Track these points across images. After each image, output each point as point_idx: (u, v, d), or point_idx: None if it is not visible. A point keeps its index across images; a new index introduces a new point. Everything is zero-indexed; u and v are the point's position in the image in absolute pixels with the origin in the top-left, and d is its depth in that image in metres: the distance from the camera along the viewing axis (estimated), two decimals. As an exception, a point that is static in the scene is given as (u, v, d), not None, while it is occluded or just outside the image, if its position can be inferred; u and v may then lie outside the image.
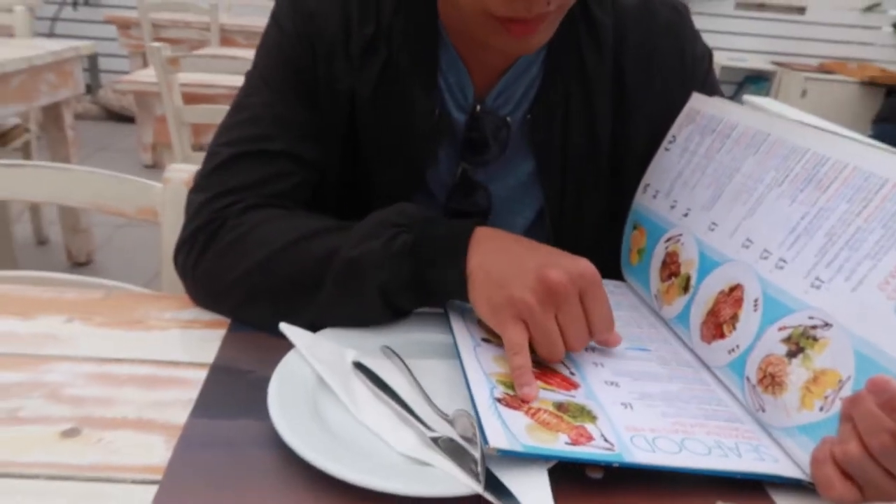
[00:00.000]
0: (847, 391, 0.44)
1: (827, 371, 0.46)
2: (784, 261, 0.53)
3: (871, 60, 4.66)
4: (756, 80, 4.68)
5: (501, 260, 0.53)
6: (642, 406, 0.50)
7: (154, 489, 0.42)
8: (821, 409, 0.46)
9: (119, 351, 0.56)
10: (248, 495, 0.42)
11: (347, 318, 0.58)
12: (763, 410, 0.50)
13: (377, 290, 0.56)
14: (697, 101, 0.70)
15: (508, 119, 0.68)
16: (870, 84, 4.22)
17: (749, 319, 0.53)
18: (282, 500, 0.42)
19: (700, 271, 0.61)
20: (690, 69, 0.71)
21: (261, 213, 0.62)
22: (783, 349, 0.50)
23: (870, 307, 0.46)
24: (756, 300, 0.53)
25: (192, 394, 0.51)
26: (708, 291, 0.59)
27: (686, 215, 0.65)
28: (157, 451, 0.45)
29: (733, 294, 0.56)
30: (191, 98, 1.91)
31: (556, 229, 0.71)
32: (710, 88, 0.72)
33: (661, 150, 0.72)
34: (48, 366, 0.53)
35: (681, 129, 0.71)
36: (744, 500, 0.44)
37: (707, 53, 0.73)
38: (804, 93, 4.27)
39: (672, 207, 0.67)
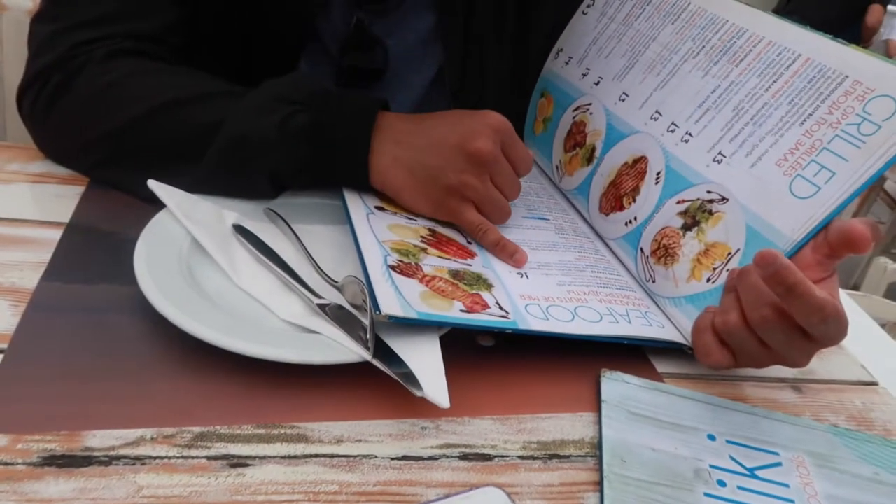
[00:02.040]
0: (735, 263, 0.45)
1: (718, 244, 0.47)
2: (690, 134, 0.52)
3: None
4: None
5: (418, 149, 0.50)
6: (538, 275, 0.49)
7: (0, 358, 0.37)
8: (708, 280, 0.47)
9: (-49, 205, 0.48)
10: (109, 365, 0.38)
11: (226, 192, 0.52)
12: (653, 281, 0.51)
13: (268, 172, 0.51)
14: (620, -40, 0.65)
15: None
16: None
17: (650, 192, 0.53)
18: (149, 369, 0.38)
19: (606, 142, 0.59)
20: None
21: (132, 61, 0.53)
22: (679, 222, 0.50)
23: (765, 182, 0.46)
24: (659, 173, 0.53)
25: (44, 255, 0.45)
26: (611, 163, 0.58)
27: (597, 84, 0.62)
28: (3, 318, 0.40)
29: (637, 166, 0.55)
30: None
31: (455, 91, 0.66)
32: None
33: (577, 14, 0.68)
34: None
35: (600, -10, 0.66)
36: (627, 366, 0.45)
37: None
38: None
39: (584, 76, 0.64)
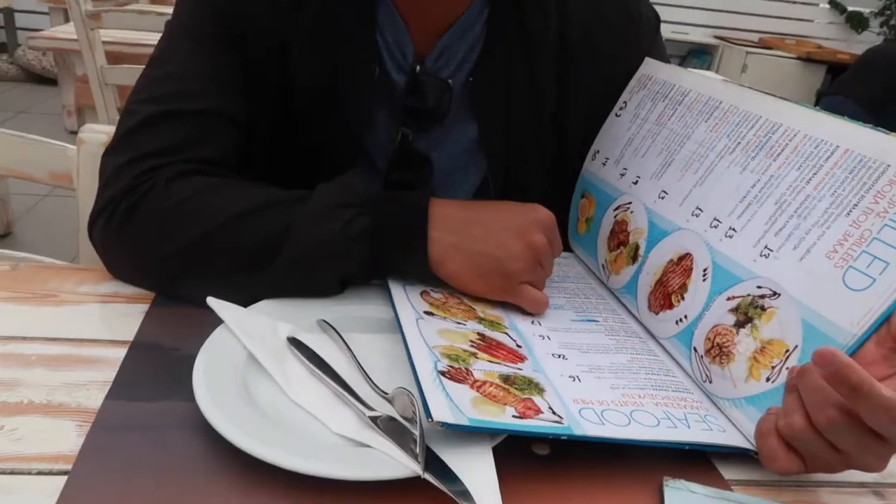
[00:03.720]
0: (794, 361, 0.44)
1: (774, 341, 0.46)
2: (734, 229, 0.52)
3: (808, 37, 4.81)
4: (699, 54, 4.75)
5: (476, 238, 0.55)
6: (590, 378, 0.48)
7: (64, 479, 0.38)
8: (767, 379, 0.45)
9: (27, 328, 0.51)
10: (170, 482, 0.39)
11: (294, 294, 0.56)
12: (710, 381, 0.49)
13: (335, 276, 0.56)
14: (649, 66, 0.68)
15: (450, 81, 0.64)
16: (807, 60, 4.36)
17: (698, 289, 0.52)
18: (209, 486, 0.39)
19: (649, 240, 0.59)
20: (637, 29, 0.69)
21: (192, 181, 0.57)
22: (731, 319, 0.49)
23: (817, 276, 0.45)
24: (705, 270, 0.52)
25: (110, 374, 0.47)
26: (657, 261, 0.58)
27: (636, 183, 0.63)
28: (69, 438, 0.41)
29: (682, 263, 0.55)
30: (116, 57, 1.78)
31: (499, 199, 0.68)
32: (658, 53, 0.70)
33: (611, 117, 0.70)
34: (-58, 346, 0.48)
35: (632, 94, 0.69)
36: (691, 473, 0.43)
37: (654, 16, 0.71)
38: (745, 67, 4.38)
39: (622, 175, 0.66)
